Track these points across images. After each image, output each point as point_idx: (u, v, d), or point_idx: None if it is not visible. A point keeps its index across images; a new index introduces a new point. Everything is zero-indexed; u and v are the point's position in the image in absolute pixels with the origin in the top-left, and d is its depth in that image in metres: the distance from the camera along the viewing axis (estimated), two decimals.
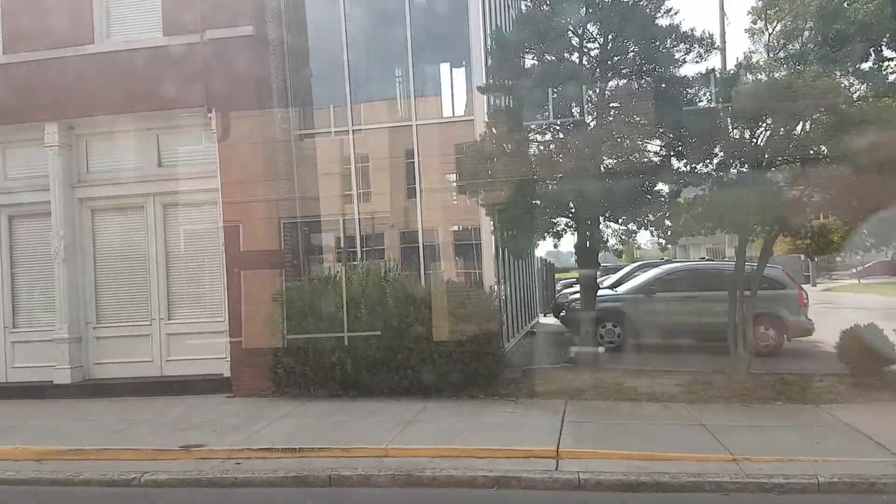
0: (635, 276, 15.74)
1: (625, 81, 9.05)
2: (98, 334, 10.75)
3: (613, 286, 15.39)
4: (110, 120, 10.61)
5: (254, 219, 10.05)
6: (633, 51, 9.03)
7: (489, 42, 9.98)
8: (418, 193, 10.79)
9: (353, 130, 10.98)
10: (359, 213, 10.97)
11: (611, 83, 9.02)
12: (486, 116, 10.27)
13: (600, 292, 14.42)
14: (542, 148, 9.07)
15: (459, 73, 11.35)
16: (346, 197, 11.02)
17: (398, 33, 10.94)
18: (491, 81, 9.62)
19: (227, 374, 10.08)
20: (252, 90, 10.19)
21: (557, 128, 9.43)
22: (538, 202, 8.97)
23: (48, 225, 10.80)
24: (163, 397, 9.91)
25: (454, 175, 10.83)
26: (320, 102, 11.39)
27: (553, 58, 9.09)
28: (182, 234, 10.74)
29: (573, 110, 9.38)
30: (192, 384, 10.16)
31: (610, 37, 9.01)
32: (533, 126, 9.11)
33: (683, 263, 15.63)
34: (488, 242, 10.54)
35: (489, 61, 10.06)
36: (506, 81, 9.42)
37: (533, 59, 9.47)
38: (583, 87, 9.12)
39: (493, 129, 9.58)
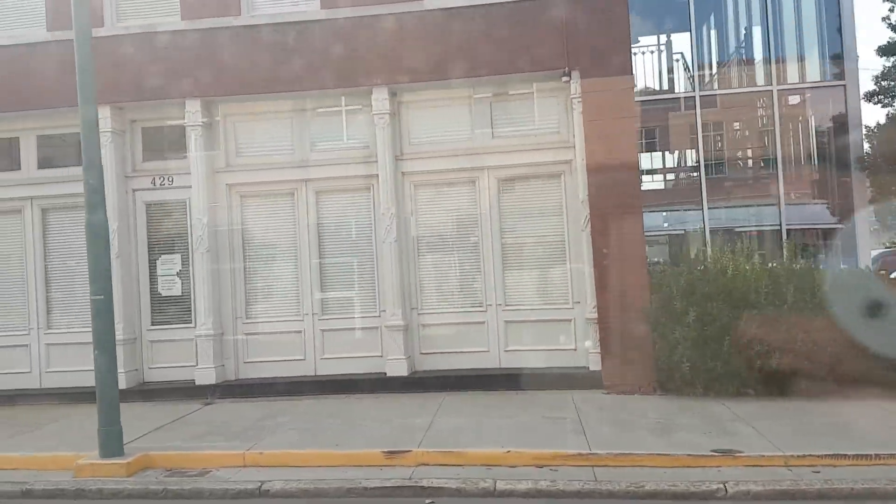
0: None
1: None
2: (424, 321, 9.71)
3: None
4: (439, 85, 9.56)
5: (621, 194, 8.96)
6: None
7: None
8: (779, 166, 9.74)
9: (700, 96, 9.92)
10: (705, 189, 9.91)
11: None
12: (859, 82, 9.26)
13: None
14: None
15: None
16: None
17: None
18: None
19: (593, 367, 9.01)
20: (617, 49, 9.10)
21: None
22: None
23: (359, 200, 9.85)
24: (520, 391, 8.92)
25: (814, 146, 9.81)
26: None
27: None
28: (519, 211, 9.67)
29: None
30: (542, 378, 9.11)
31: None
32: None
33: None
34: (863, 225, 9.50)
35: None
36: None
37: None
38: None
39: None
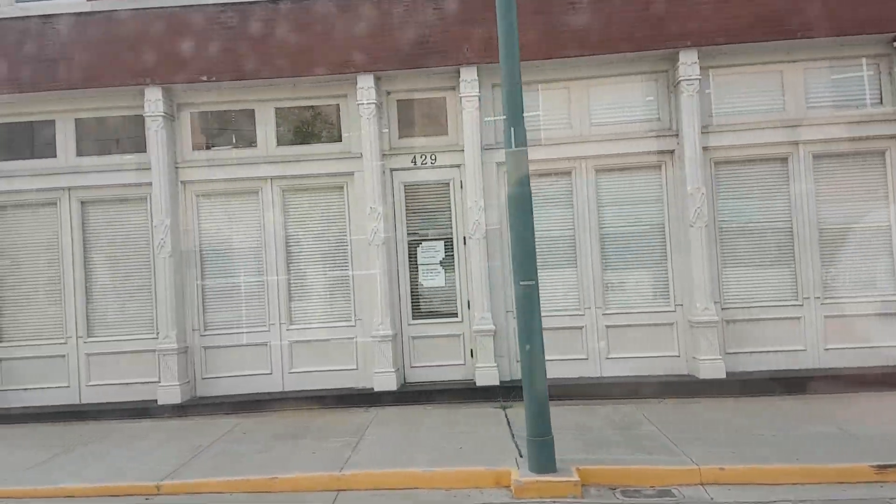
0: None
1: None
2: (730, 317, 8.63)
3: None
4: (753, 48, 8.50)
5: None
6: None
7: None
8: None
9: None
10: None
11: None
12: None
13: None
14: None
15: None
16: None
17: None
18: None
19: None
20: None
21: None
22: None
23: (646, 179, 8.87)
24: (842, 395, 7.89)
25: None
26: None
27: None
28: (841, 192, 8.58)
29: None
30: (866, 377, 8.14)
31: None
32: None
33: None
34: None
35: None
36: None
37: None
38: None
39: None
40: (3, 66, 8.77)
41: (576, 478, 5.27)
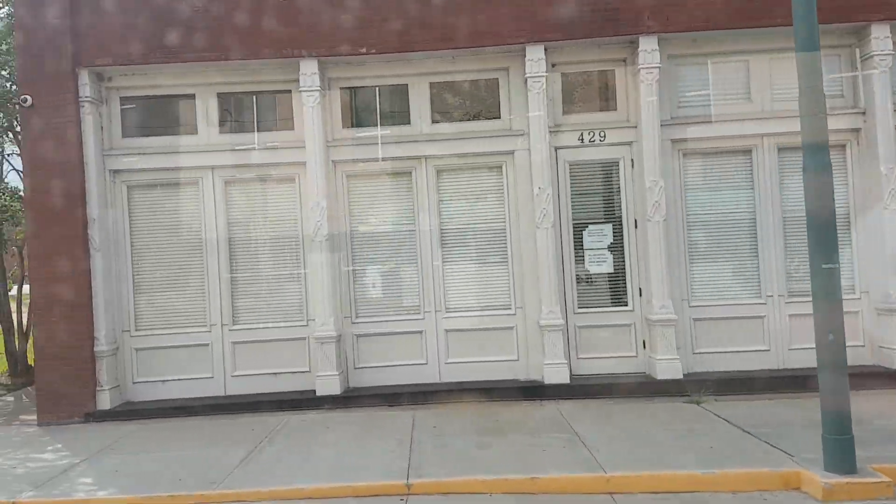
0: None
1: None
2: None
3: None
4: None
5: None
6: None
7: None
8: None
9: None
10: None
11: None
12: None
13: None
14: None
15: None
16: None
17: None
18: None
19: None
20: None
21: None
22: None
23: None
24: None
25: None
26: None
27: None
28: None
29: None
30: None
31: None
32: None
33: None
34: None
35: None
36: None
37: None
38: None
39: None
40: (143, 33, 8.21)
41: (885, 478, 4.80)
